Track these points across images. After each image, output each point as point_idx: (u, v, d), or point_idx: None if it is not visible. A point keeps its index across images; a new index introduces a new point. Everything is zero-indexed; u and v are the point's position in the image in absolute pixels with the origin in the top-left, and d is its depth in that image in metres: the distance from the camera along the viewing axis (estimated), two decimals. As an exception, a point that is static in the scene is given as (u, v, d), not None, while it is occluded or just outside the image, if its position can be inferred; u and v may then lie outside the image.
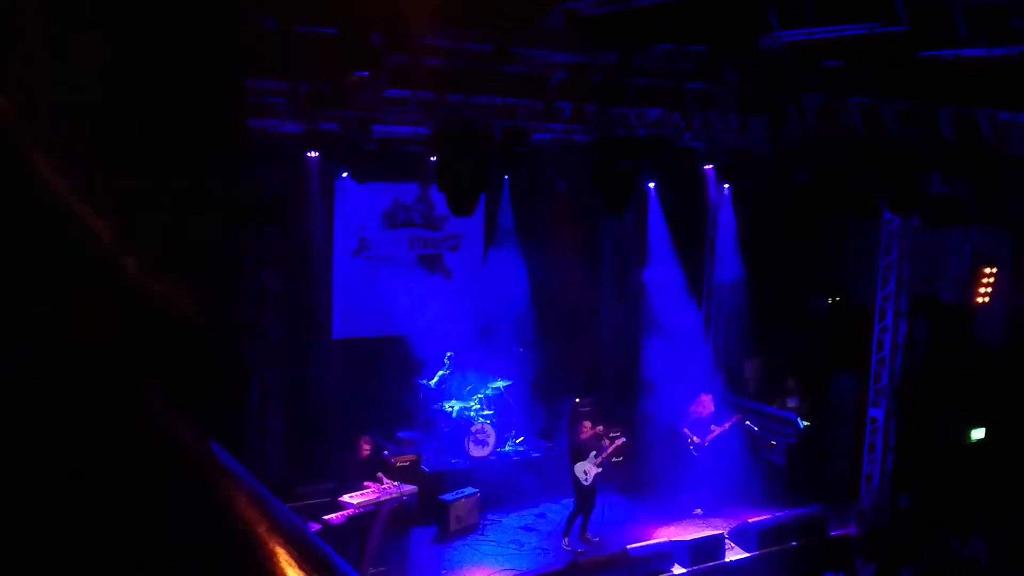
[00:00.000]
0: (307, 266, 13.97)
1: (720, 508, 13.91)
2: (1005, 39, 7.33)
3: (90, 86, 1.48)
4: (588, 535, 13.03)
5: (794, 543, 12.80)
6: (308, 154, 11.69)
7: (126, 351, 1.54)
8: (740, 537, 12.78)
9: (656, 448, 14.69)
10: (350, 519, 11.02)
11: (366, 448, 11.65)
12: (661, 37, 9.03)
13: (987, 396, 14.66)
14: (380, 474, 11.68)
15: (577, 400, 15.32)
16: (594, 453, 12.86)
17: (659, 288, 15.55)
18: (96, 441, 1.47)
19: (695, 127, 11.54)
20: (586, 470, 12.82)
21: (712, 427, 14.27)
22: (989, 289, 14.88)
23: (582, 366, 16.13)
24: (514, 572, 11.73)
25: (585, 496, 12.91)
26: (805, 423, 14.64)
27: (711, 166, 14.34)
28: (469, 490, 13.43)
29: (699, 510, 14.06)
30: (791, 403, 15.13)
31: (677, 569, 11.89)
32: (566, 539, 12.91)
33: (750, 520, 12.86)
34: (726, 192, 15.71)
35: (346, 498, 11.08)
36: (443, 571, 12.23)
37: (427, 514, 13.16)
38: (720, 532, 12.73)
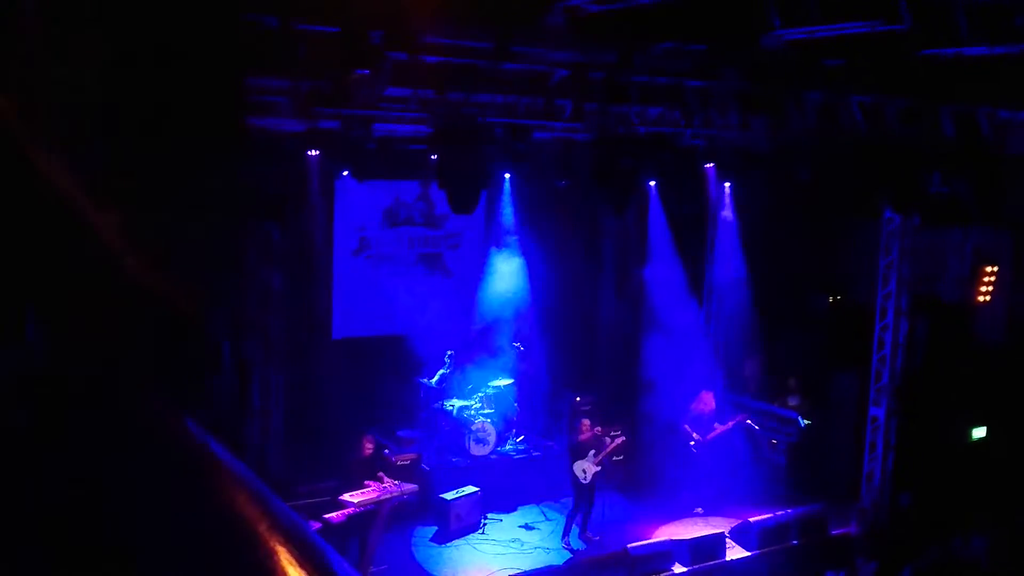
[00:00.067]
0: (307, 265, 13.97)
1: (721, 507, 13.91)
2: (1006, 38, 7.33)
3: (91, 86, 1.48)
4: (589, 533, 13.03)
5: (795, 542, 12.79)
6: (308, 153, 11.68)
7: (127, 349, 1.54)
8: (741, 536, 12.77)
9: (657, 447, 14.69)
10: (350, 518, 11.02)
11: (369, 447, 11.65)
12: (662, 35, 9.03)
13: (988, 395, 14.65)
14: (381, 473, 11.68)
15: (578, 399, 15.32)
16: (593, 452, 12.86)
17: (660, 286, 15.54)
18: (97, 441, 1.47)
19: (696, 125, 11.54)
20: (584, 469, 12.82)
21: (715, 425, 14.27)
22: (990, 288, 14.87)
23: (583, 364, 16.13)
24: (515, 571, 11.73)
25: (584, 495, 12.91)
26: (806, 422, 14.64)
27: (712, 165, 14.32)
28: (470, 489, 13.43)
29: (700, 509, 14.06)
30: (792, 402, 15.12)
31: (678, 568, 11.88)
32: (566, 538, 12.91)
33: (751, 519, 12.85)
34: (727, 191, 15.70)
35: (346, 497, 11.07)
36: (444, 570, 12.23)
37: (428, 513, 13.17)
38: (721, 531, 12.72)
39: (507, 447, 14.80)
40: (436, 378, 14.65)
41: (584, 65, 9.91)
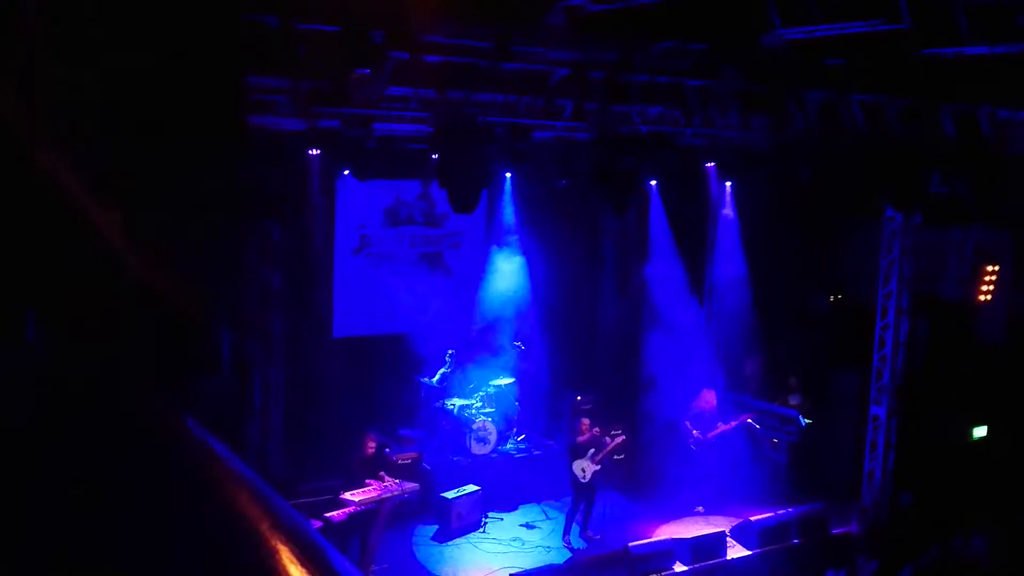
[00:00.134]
0: (308, 264, 13.97)
1: (722, 506, 13.92)
2: (1006, 37, 7.32)
3: (92, 86, 1.48)
4: (590, 532, 13.04)
5: (796, 541, 12.79)
6: (309, 152, 11.68)
7: (127, 349, 1.54)
8: (742, 535, 12.77)
9: (658, 445, 14.69)
10: (352, 516, 11.02)
11: (371, 446, 11.65)
12: (662, 34, 9.03)
13: (989, 394, 14.65)
14: (382, 472, 11.69)
15: (579, 397, 15.33)
16: (592, 451, 12.87)
17: (660, 285, 15.53)
18: (97, 440, 1.48)
19: (696, 125, 11.53)
20: (583, 468, 12.82)
21: (718, 424, 14.28)
22: (991, 287, 14.87)
23: (584, 363, 16.13)
24: (515, 570, 11.72)
25: (583, 494, 12.91)
26: (807, 421, 14.64)
27: (712, 164, 14.32)
28: (471, 488, 13.43)
29: (700, 508, 14.07)
30: (793, 401, 15.12)
31: (678, 567, 11.88)
32: (567, 536, 12.91)
33: (751, 518, 12.85)
34: (727, 190, 15.69)
35: (348, 495, 11.08)
36: (444, 568, 12.23)
37: (429, 512, 13.17)
38: (721, 530, 12.73)
39: (508, 446, 14.80)
40: (437, 377, 14.65)
41: (584, 64, 9.90)
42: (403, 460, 13.23)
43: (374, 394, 14.36)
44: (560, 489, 13.67)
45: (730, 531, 12.86)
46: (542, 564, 11.98)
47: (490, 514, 13.61)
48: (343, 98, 9.51)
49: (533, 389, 15.33)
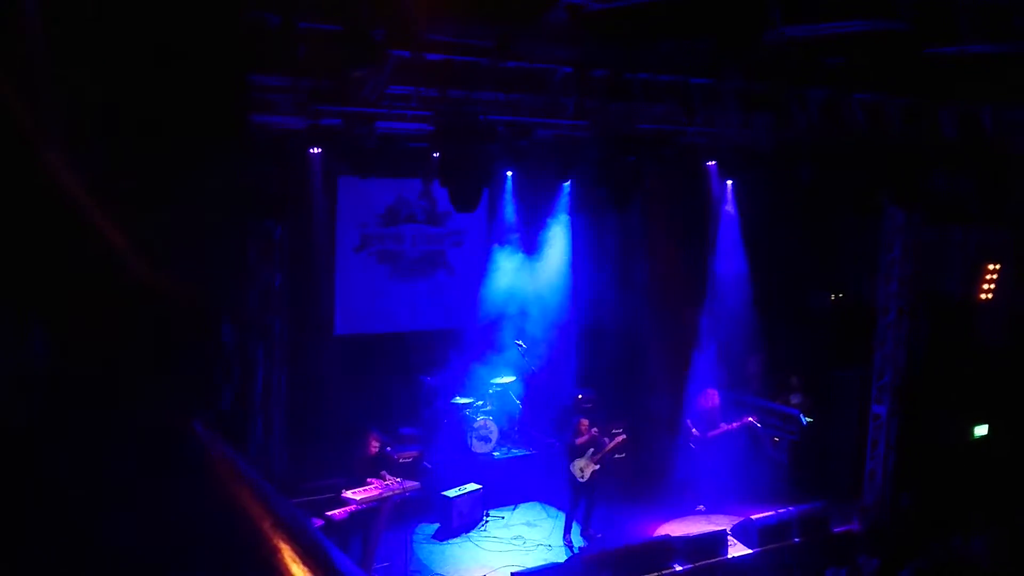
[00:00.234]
0: (309, 262, 13.97)
1: (723, 504, 13.92)
2: (1008, 36, 7.31)
3: (93, 85, 1.48)
4: (591, 531, 13.04)
5: (796, 539, 12.79)
6: (310, 150, 11.68)
7: (127, 349, 1.54)
8: (742, 533, 12.78)
9: (659, 444, 14.70)
10: (353, 515, 11.03)
11: (375, 445, 11.64)
12: (664, 33, 9.02)
13: (990, 393, 14.64)
14: (383, 471, 11.69)
15: (580, 396, 15.32)
16: (592, 451, 12.86)
17: (662, 284, 15.53)
18: (97, 440, 1.47)
19: (698, 123, 11.52)
20: (582, 468, 12.82)
21: (721, 424, 14.27)
22: (992, 286, 14.85)
23: (585, 361, 16.13)
24: (516, 568, 11.71)
25: (582, 493, 12.92)
26: (808, 420, 14.63)
27: (714, 162, 14.31)
28: (472, 486, 13.44)
29: (702, 506, 14.07)
30: (794, 399, 15.12)
31: (679, 565, 11.89)
32: (568, 535, 12.92)
33: (753, 516, 12.86)
34: (729, 188, 15.68)
35: (349, 494, 11.08)
36: (446, 567, 12.24)
37: (430, 510, 13.18)
38: (723, 528, 12.73)
39: (509, 445, 14.80)
40: (438, 375, 14.65)
41: (586, 62, 9.89)
42: (404, 459, 13.24)
43: (375, 392, 14.37)
44: (561, 488, 13.68)
45: (731, 530, 12.86)
46: (543, 563, 11.99)
47: (491, 512, 13.62)
48: (344, 97, 9.51)
49: (535, 387, 15.32)
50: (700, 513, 13.92)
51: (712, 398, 14.53)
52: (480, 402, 14.56)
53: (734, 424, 14.30)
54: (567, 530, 12.96)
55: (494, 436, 14.47)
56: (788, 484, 14.44)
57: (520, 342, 15.01)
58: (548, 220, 15.54)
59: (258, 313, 12.13)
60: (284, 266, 12.44)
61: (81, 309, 1.49)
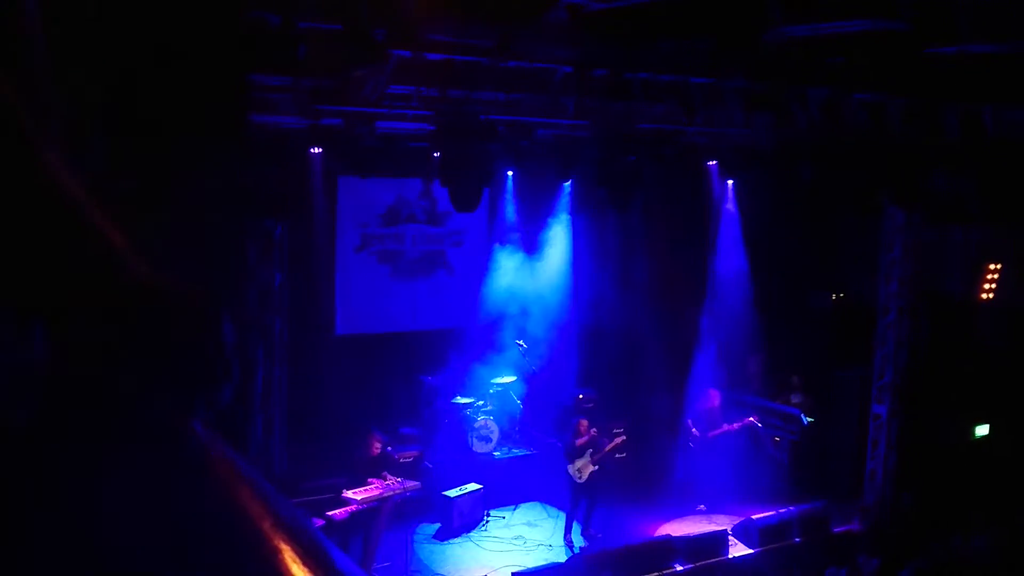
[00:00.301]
0: (310, 262, 13.97)
1: (723, 504, 13.92)
2: (1008, 36, 7.31)
3: (93, 85, 1.48)
4: (591, 531, 13.04)
5: (797, 539, 12.80)
6: (311, 150, 11.69)
7: (128, 349, 1.54)
8: (743, 533, 12.78)
9: (660, 444, 14.70)
10: (354, 515, 11.03)
11: (377, 446, 11.64)
12: (664, 33, 9.01)
13: (990, 393, 14.64)
14: (385, 471, 11.69)
15: (580, 396, 15.32)
16: (590, 451, 12.85)
17: (663, 283, 15.53)
18: (97, 440, 1.47)
19: (699, 123, 11.52)
20: (580, 469, 12.81)
21: (723, 424, 14.27)
22: (993, 286, 14.85)
23: (586, 361, 16.13)
24: (517, 568, 11.72)
25: (581, 493, 12.91)
26: (809, 419, 14.63)
27: (715, 162, 14.31)
28: (472, 486, 13.44)
29: (702, 506, 14.07)
30: (795, 399, 15.12)
31: (680, 565, 11.89)
32: (569, 535, 12.92)
33: (753, 516, 12.86)
34: (729, 188, 15.68)
35: (349, 494, 11.08)
36: (446, 567, 12.24)
37: (430, 510, 13.18)
38: (723, 528, 12.74)
39: (510, 444, 14.80)
40: (439, 375, 14.65)
41: (587, 62, 9.89)
42: (405, 458, 13.24)
43: (376, 392, 14.37)
44: (562, 487, 13.68)
45: (732, 529, 12.87)
46: (544, 563, 11.99)
47: (492, 512, 13.62)
48: (345, 96, 9.50)
49: (535, 387, 15.33)
50: (701, 513, 13.93)
51: (713, 398, 14.54)
52: (481, 402, 14.55)
53: (735, 424, 14.30)
54: (568, 530, 12.96)
55: (495, 436, 14.47)
56: (789, 484, 14.44)
57: (521, 342, 15.01)
58: (548, 220, 15.55)
59: (258, 313, 12.14)
60: (284, 266, 12.45)
61: (81, 309, 1.49)
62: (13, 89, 1.42)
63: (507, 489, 14.05)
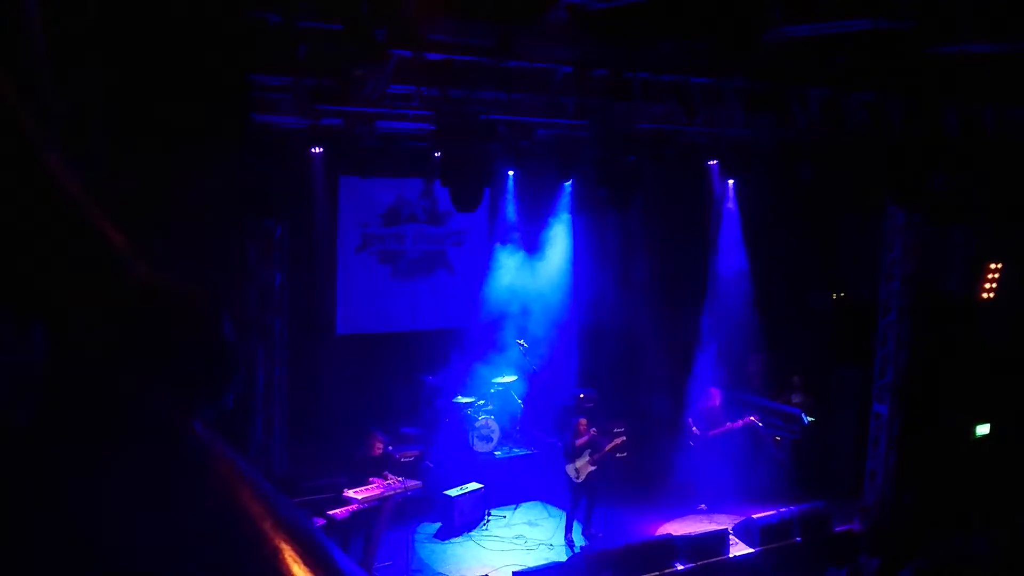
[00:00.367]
0: (310, 262, 13.98)
1: (724, 503, 13.92)
2: (1008, 36, 7.31)
3: (93, 85, 1.48)
4: (592, 530, 13.04)
5: (798, 539, 12.79)
6: (312, 150, 11.69)
7: (128, 349, 1.54)
8: (744, 533, 12.77)
9: (660, 443, 14.70)
10: (354, 514, 11.03)
11: (379, 446, 11.64)
12: (666, 32, 9.02)
13: (991, 392, 14.63)
14: (386, 471, 11.69)
15: (581, 395, 15.32)
16: (589, 451, 12.85)
17: (663, 283, 15.54)
18: (98, 440, 1.48)
19: (699, 122, 11.52)
20: (578, 468, 12.81)
21: (725, 424, 14.27)
22: (994, 285, 14.84)
23: (586, 361, 16.14)
24: (518, 567, 11.72)
25: (580, 493, 12.91)
26: (809, 419, 14.63)
27: (715, 161, 14.31)
28: (473, 485, 13.44)
29: (703, 505, 14.07)
30: (795, 399, 15.11)
31: (681, 564, 11.88)
32: (569, 534, 12.92)
33: (754, 516, 12.86)
34: (730, 187, 15.68)
35: (350, 493, 11.08)
36: (447, 566, 12.24)
37: (431, 509, 13.18)
38: (724, 528, 12.73)
39: (511, 444, 14.80)
40: (440, 375, 14.65)
41: (587, 62, 9.89)
42: (406, 458, 13.24)
43: (377, 392, 14.38)
44: (563, 487, 13.69)
45: (732, 529, 12.86)
46: (545, 562, 11.99)
47: (493, 512, 13.62)
48: (345, 96, 9.50)
49: (536, 387, 15.33)
50: (701, 512, 13.93)
51: (714, 397, 14.54)
52: (481, 401, 14.56)
53: (738, 423, 14.30)
54: (568, 529, 12.96)
55: (496, 435, 14.47)
56: (789, 483, 14.44)
57: (521, 341, 15.02)
58: (549, 220, 15.56)
59: (258, 313, 12.14)
60: (285, 266, 12.45)
61: (81, 309, 1.49)
62: (13, 89, 1.42)
63: (508, 488, 14.06)
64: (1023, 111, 10.89)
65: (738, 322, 15.91)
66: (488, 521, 13.46)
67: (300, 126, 10.69)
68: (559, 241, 15.62)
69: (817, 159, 12.55)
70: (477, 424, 14.32)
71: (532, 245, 15.44)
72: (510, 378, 14.97)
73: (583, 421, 13.16)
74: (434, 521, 13.16)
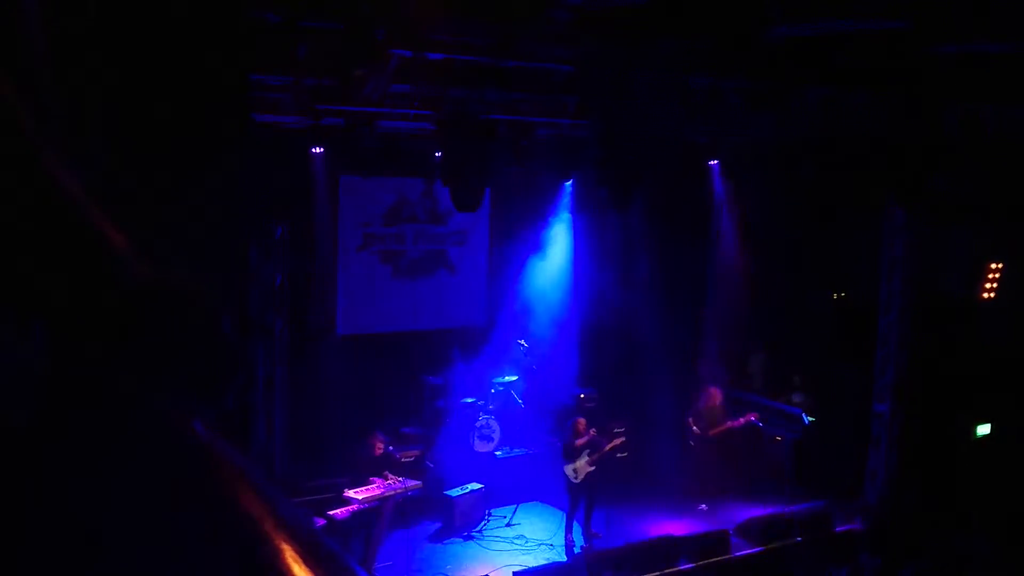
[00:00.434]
0: (311, 262, 13.97)
1: (725, 503, 13.92)
2: (1008, 36, 7.31)
3: (93, 85, 1.48)
4: (592, 530, 13.03)
5: (799, 538, 12.78)
6: (312, 150, 11.69)
7: (129, 349, 1.54)
8: (745, 532, 12.78)
9: (661, 443, 14.69)
10: (355, 514, 11.03)
11: (379, 447, 11.64)
12: (666, 32, 9.02)
13: (992, 392, 14.63)
14: (386, 471, 11.69)
15: (582, 395, 15.32)
16: (588, 452, 12.83)
17: (664, 282, 15.53)
18: (98, 440, 1.48)
19: (700, 122, 11.52)
20: (576, 469, 12.78)
21: (726, 423, 14.26)
22: (994, 285, 14.84)
23: (587, 360, 16.13)
24: (518, 567, 11.73)
25: (579, 493, 12.88)
26: (810, 418, 14.63)
27: (716, 161, 14.31)
28: (474, 485, 13.44)
29: (704, 505, 14.07)
30: (796, 398, 15.11)
31: (681, 564, 11.88)
32: (570, 534, 12.91)
33: (755, 515, 12.86)
34: (731, 187, 15.68)
35: (351, 493, 11.09)
36: (448, 566, 12.24)
37: (432, 509, 13.18)
38: (725, 527, 12.73)
39: (511, 444, 14.80)
40: (440, 375, 14.65)
41: (588, 61, 9.89)
42: (406, 458, 13.23)
43: (377, 392, 14.36)
44: (563, 487, 13.68)
45: (733, 528, 12.86)
46: (545, 562, 11.99)
47: (493, 512, 13.62)
48: (346, 96, 9.51)
49: (537, 387, 15.32)
50: (702, 512, 13.92)
51: (714, 397, 14.52)
52: (482, 401, 14.55)
53: (739, 422, 14.28)
54: (568, 529, 12.95)
55: (496, 435, 14.47)
56: (790, 483, 14.43)
57: (522, 341, 15.02)
58: (549, 219, 15.54)
59: (259, 313, 12.14)
60: (285, 266, 12.45)
61: (81, 309, 1.49)
62: (13, 89, 1.42)
63: (509, 488, 14.05)
64: (1023, 111, 10.89)
65: (738, 322, 15.92)
66: (488, 521, 13.46)
67: (300, 126, 10.69)
68: (559, 241, 15.62)
69: (817, 159, 12.55)
70: (478, 424, 14.32)
71: (533, 245, 15.43)
72: (511, 378, 14.97)
73: (582, 421, 13.14)
74: (435, 521, 13.16)
